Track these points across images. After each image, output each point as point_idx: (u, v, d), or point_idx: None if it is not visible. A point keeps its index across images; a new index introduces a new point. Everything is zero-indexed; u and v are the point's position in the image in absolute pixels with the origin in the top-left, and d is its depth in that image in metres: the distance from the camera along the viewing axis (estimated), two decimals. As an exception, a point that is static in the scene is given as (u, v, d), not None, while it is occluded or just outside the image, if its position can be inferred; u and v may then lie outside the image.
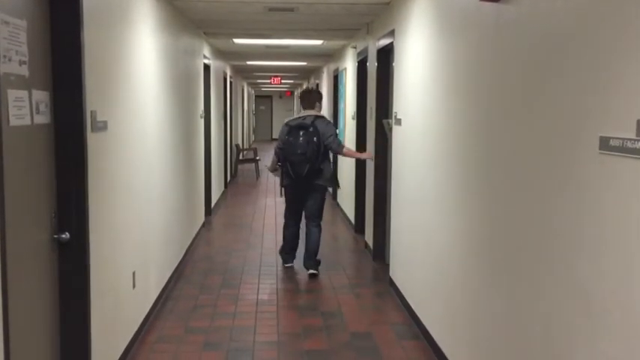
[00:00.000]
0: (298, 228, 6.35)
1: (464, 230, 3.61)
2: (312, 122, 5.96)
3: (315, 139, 5.86)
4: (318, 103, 6.21)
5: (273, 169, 6.37)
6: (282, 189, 6.24)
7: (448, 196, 3.94)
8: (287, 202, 6.32)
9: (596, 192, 2.13)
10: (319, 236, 6.23)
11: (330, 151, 6.07)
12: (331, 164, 6.27)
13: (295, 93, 28.60)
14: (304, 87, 5.74)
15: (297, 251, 6.47)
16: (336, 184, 6.59)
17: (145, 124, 4.72)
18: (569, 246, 2.32)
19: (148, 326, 4.67)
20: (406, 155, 5.23)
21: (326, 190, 6.26)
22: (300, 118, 6.09)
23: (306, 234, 6.23)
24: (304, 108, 6.19)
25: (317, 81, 15.12)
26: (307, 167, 5.88)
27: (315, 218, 6.21)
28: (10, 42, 2.53)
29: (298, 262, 6.42)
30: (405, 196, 5.26)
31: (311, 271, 6.12)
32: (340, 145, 6.12)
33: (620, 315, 2.00)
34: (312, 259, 6.17)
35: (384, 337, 4.58)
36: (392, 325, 4.82)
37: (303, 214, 6.29)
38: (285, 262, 6.47)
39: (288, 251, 6.41)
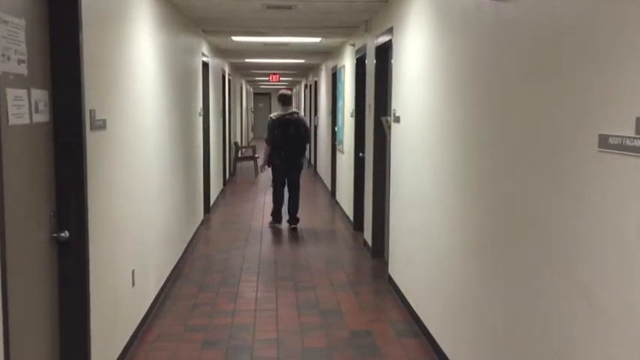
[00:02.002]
0: (284, 193, 8.41)
1: (463, 228, 3.61)
2: (297, 117, 8.22)
3: (302, 130, 8.19)
4: (292, 103, 8.45)
5: (266, 159, 8.35)
6: (270, 167, 8.35)
7: (447, 194, 3.94)
8: (276, 176, 8.38)
9: (596, 190, 2.14)
10: (298, 199, 8.44)
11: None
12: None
13: (294, 91, 28.60)
14: (280, 91, 8.48)
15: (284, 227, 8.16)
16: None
17: (144, 123, 4.72)
18: (568, 244, 2.32)
19: (147, 324, 4.67)
20: (405, 153, 5.23)
21: (303, 166, 8.44)
22: (286, 114, 8.16)
23: (289, 199, 8.34)
24: (284, 105, 8.26)
25: (315, 78, 15.12)
26: (298, 150, 8.22)
27: (296, 188, 8.37)
28: (9, 41, 2.52)
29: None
30: (404, 194, 5.26)
31: (292, 226, 8.33)
32: (309, 140, 8.80)
33: (620, 314, 2.00)
34: (293, 218, 8.36)
35: (384, 334, 4.59)
36: (391, 323, 4.82)
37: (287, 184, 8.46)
38: (275, 221, 8.52)
39: (279, 214, 8.46)
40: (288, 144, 8.11)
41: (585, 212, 2.20)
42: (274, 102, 32.02)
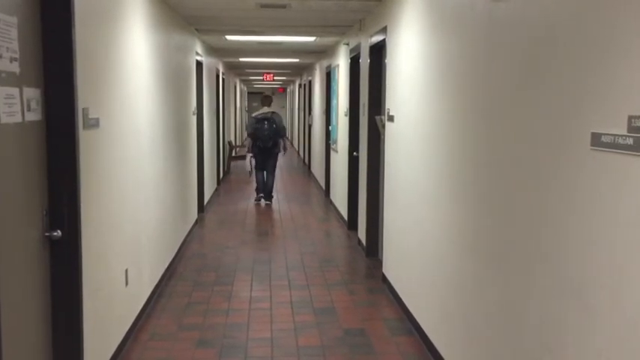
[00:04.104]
0: (264, 176, 10.47)
1: (457, 226, 3.61)
2: (271, 115, 10.26)
3: (273, 125, 10.26)
4: (272, 103, 10.49)
5: (249, 147, 10.57)
6: (252, 155, 10.56)
7: (441, 192, 3.95)
8: (257, 162, 10.47)
9: (588, 188, 2.14)
10: (273, 180, 10.58)
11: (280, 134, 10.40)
12: (281, 141, 10.48)
13: (288, 90, 28.57)
14: (265, 93, 10.69)
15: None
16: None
17: (137, 121, 4.70)
18: (561, 242, 2.33)
19: (141, 324, 4.66)
20: (399, 151, 5.23)
21: (278, 154, 10.53)
22: (263, 113, 10.30)
23: (266, 179, 10.45)
24: (263, 105, 10.41)
25: (309, 78, 15.11)
26: (270, 142, 10.29)
27: (272, 171, 10.47)
28: (1, 39, 2.51)
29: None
30: (399, 193, 5.26)
31: (267, 202, 10.43)
32: (285, 133, 10.61)
33: (611, 309, 2.01)
34: (269, 195, 10.47)
35: (378, 332, 4.59)
36: (385, 321, 4.83)
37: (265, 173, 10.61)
38: (258, 200, 10.50)
39: (260, 192, 10.49)
40: (263, 136, 10.23)
41: (578, 210, 2.21)
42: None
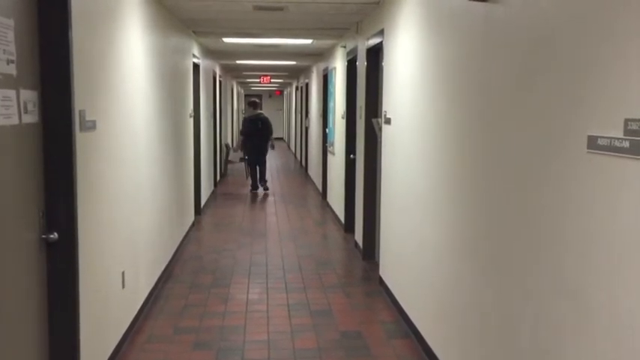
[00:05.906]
0: (256, 170, 12.26)
1: (454, 229, 3.62)
2: (261, 117, 12.23)
3: (264, 125, 12.15)
4: (259, 107, 12.50)
5: (240, 144, 12.63)
6: (245, 152, 12.48)
7: (438, 195, 3.95)
8: (249, 159, 12.32)
9: (585, 191, 2.15)
10: (265, 170, 12.44)
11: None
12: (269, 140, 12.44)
13: (285, 92, 28.58)
14: (252, 99, 12.72)
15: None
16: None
17: (134, 124, 4.70)
18: (558, 244, 2.33)
19: (137, 326, 4.65)
20: (396, 154, 5.24)
21: (267, 150, 12.35)
22: (254, 115, 12.24)
23: (259, 172, 12.28)
24: (255, 109, 12.32)
25: (306, 80, 15.12)
26: (262, 140, 12.19)
27: (263, 163, 12.32)
28: (-2, 41, 2.51)
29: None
30: (395, 196, 5.27)
31: (265, 190, 12.25)
32: (272, 132, 12.49)
33: (608, 312, 2.01)
34: (263, 183, 12.31)
35: (374, 335, 4.59)
36: (382, 324, 4.83)
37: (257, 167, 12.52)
38: (253, 189, 12.20)
39: (254, 184, 12.19)
40: (254, 134, 12.15)
41: (574, 213, 2.21)
42: (265, 103, 32.22)
